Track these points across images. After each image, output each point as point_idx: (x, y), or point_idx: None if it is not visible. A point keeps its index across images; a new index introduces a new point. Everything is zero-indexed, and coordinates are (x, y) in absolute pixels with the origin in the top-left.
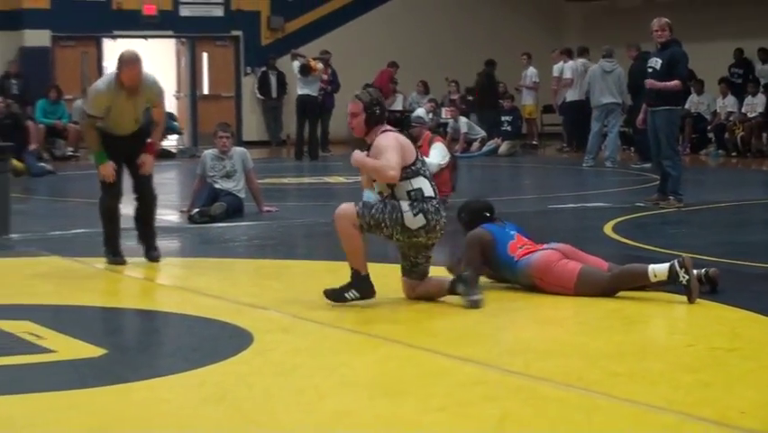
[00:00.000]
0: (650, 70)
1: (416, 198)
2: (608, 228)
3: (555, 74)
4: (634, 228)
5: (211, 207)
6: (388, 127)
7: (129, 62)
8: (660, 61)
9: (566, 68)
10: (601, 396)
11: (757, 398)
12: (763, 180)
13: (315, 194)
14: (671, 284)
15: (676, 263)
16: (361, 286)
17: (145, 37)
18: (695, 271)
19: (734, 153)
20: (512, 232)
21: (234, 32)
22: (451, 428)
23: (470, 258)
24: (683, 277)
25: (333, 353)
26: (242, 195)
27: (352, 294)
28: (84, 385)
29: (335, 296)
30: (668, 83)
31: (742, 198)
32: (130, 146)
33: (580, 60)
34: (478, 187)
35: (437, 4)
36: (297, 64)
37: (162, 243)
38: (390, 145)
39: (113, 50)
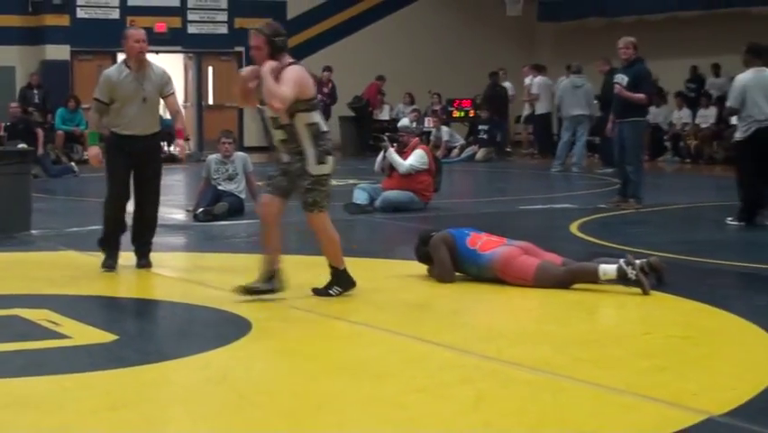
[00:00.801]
0: (617, 86)
1: (316, 133)
2: (573, 227)
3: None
4: (598, 228)
5: (214, 206)
6: (293, 60)
7: (132, 32)
8: (626, 78)
9: (534, 83)
10: (567, 379)
11: (708, 381)
12: (713, 185)
13: None
14: (621, 282)
15: (623, 263)
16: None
17: (156, 52)
18: (638, 262)
19: (688, 160)
20: (466, 231)
21: (237, 48)
22: (430, 407)
23: (441, 258)
24: (631, 273)
25: (324, 339)
26: (242, 196)
27: (335, 290)
28: (97, 368)
29: (321, 293)
30: (634, 94)
31: (695, 201)
32: (141, 151)
33: (541, 77)
34: (457, 189)
35: (423, 24)
36: None
37: (169, 239)
38: (292, 79)
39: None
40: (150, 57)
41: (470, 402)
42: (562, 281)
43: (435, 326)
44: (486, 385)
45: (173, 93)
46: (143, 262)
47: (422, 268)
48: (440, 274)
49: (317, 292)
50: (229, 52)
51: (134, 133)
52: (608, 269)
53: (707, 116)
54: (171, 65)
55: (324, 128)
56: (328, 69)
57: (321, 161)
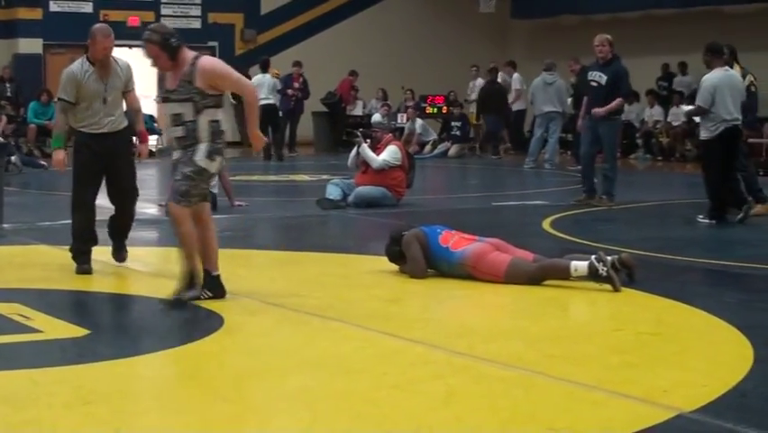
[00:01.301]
0: (594, 84)
1: (215, 130)
2: (546, 224)
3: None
4: (569, 224)
5: None
6: (198, 53)
7: (100, 33)
8: (604, 77)
9: (515, 79)
10: (538, 375)
11: (678, 377)
12: (685, 182)
13: (282, 191)
14: (592, 278)
15: (594, 259)
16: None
17: (129, 46)
18: (609, 258)
19: (659, 158)
20: (438, 229)
21: (211, 43)
22: (402, 402)
23: (413, 255)
24: (602, 270)
25: (296, 335)
26: (215, 190)
27: (204, 293)
28: (68, 362)
29: (173, 301)
30: (611, 105)
31: (666, 198)
32: (112, 148)
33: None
34: (430, 185)
35: (397, 20)
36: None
37: (142, 234)
38: (228, 68)
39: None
40: (123, 51)
41: (441, 398)
42: (533, 278)
43: (407, 322)
44: (457, 381)
45: (133, 89)
46: (123, 254)
47: (393, 264)
48: (412, 270)
49: (168, 301)
50: (202, 47)
51: (103, 131)
52: (579, 265)
53: (678, 114)
54: (144, 59)
55: (223, 128)
56: (298, 63)
57: (210, 157)
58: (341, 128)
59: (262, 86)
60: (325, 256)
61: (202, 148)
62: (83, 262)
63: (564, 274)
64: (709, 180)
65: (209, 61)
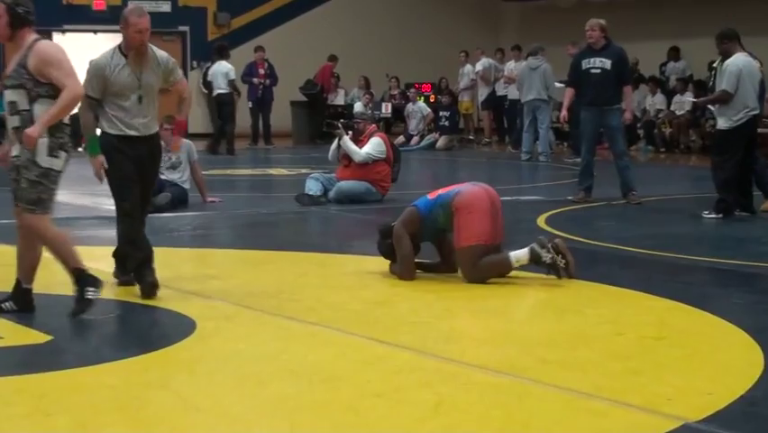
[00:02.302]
0: (596, 71)
1: (55, 122)
2: (541, 220)
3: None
4: (566, 221)
5: (156, 197)
6: (39, 36)
7: (133, 14)
8: (608, 61)
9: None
10: (533, 383)
11: (683, 385)
12: (689, 175)
13: (258, 185)
14: (537, 266)
15: (535, 245)
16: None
17: (94, 31)
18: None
19: (662, 149)
20: (427, 196)
21: (181, 28)
22: (387, 412)
23: (403, 254)
24: (546, 256)
25: (274, 340)
26: (186, 186)
27: (7, 305)
28: (30, 370)
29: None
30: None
31: (670, 193)
32: (144, 155)
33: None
34: (417, 179)
35: (381, 3)
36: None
37: (107, 232)
38: (63, 58)
39: (62, 44)
40: (89, 37)
41: (429, 408)
42: (482, 275)
43: (393, 326)
44: (447, 389)
45: (181, 79)
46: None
47: (379, 264)
48: (401, 271)
49: (77, 306)
50: (173, 32)
51: (133, 134)
52: (519, 255)
53: (682, 103)
54: (110, 45)
55: (66, 120)
56: (260, 48)
57: (53, 154)
58: (321, 119)
59: (216, 75)
60: (305, 256)
61: (41, 145)
62: (150, 274)
63: (507, 268)
64: (723, 172)
65: (44, 46)
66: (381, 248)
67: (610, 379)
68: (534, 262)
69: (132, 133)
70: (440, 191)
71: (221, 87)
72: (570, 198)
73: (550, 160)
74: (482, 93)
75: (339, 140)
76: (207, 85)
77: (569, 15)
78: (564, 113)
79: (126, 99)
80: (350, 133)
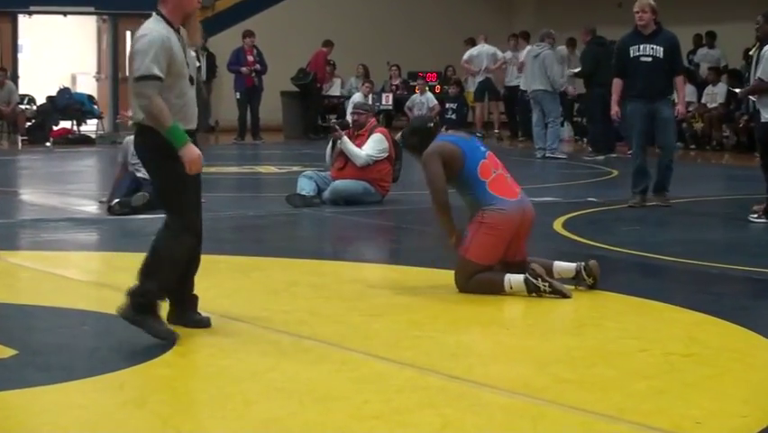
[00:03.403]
0: (647, 59)
1: None
2: (557, 224)
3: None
4: (585, 225)
5: (132, 197)
6: None
7: None
8: (660, 48)
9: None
10: (549, 404)
11: (713, 407)
12: (722, 175)
13: (245, 184)
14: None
15: (529, 276)
16: None
17: (64, 14)
18: (574, 265)
19: (692, 146)
20: (483, 148)
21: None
22: None
23: (432, 175)
24: (544, 287)
25: (262, 355)
26: None
27: None
28: None
29: None
30: (679, 80)
31: (700, 194)
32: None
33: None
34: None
35: None
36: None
37: (79, 236)
38: None
39: (29, 27)
40: (58, 19)
41: (434, 431)
42: (473, 290)
43: (393, 340)
44: (452, 411)
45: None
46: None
47: (378, 272)
48: (431, 193)
49: None
50: (150, 14)
51: (191, 128)
52: (514, 282)
53: (714, 95)
54: (81, 29)
55: None
56: (249, 33)
57: None
58: (314, 111)
59: None
60: (296, 262)
61: None
62: (196, 307)
63: (500, 291)
64: None
65: None
66: (405, 141)
67: (634, 400)
68: (532, 293)
69: (191, 126)
70: (489, 172)
71: None
72: (628, 205)
73: (559, 155)
74: (471, 83)
75: (334, 144)
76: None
77: None
78: (616, 108)
79: (183, 81)
80: (346, 131)
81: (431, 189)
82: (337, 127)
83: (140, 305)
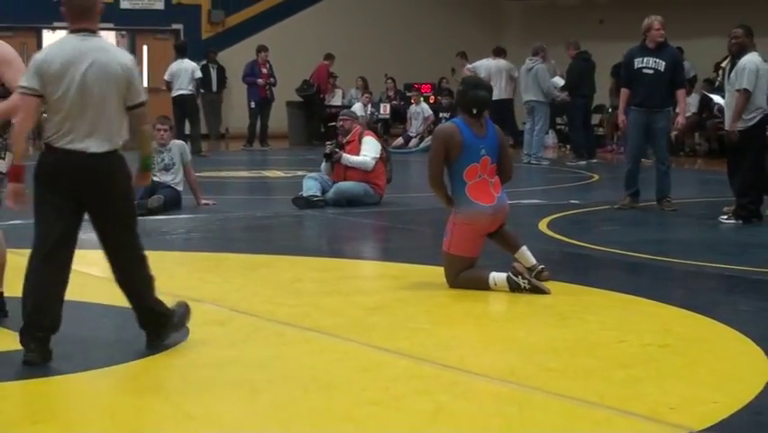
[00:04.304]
0: (649, 72)
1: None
2: (542, 225)
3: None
4: (568, 225)
5: (148, 199)
6: None
7: None
8: (662, 62)
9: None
10: (534, 391)
11: (687, 393)
12: (695, 179)
13: (253, 188)
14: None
15: (511, 275)
16: None
17: None
18: (534, 262)
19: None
20: (482, 151)
21: (175, 26)
22: (384, 421)
23: (433, 154)
24: (524, 283)
25: (269, 346)
26: (179, 188)
27: None
28: (17, 377)
29: None
30: (680, 94)
31: (674, 197)
32: None
33: (493, 61)
34: (414, 182)
35: (380, 1)
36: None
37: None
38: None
39: (52, 41)
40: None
41: (428, 416)
42: (461, 286)
43: (391, 332)
44: (446, 397)
45: None
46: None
47: (376, 269)
48: (428, 170)
49: None
50: (165, 30)
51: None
52: (498, 279)
53: (688, 104)
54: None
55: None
56: (263, 48)
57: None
58: (317, 119)
59: (179, 74)
60: (301, 260)
61: None
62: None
63: (485, 287)
64: (746, 176)
65: None
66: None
67: (613, 387)
68: (514, 290)
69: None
70: (474, 174)
71: (183, 87)
72: (616, 207)
73: (542, 162)
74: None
75: (334, 162)
76: (204, 84)
77: (571, 14)
78: (622, 117)
79: None
80: (338, 151)
81: (428, 167)
82: (337, 150)
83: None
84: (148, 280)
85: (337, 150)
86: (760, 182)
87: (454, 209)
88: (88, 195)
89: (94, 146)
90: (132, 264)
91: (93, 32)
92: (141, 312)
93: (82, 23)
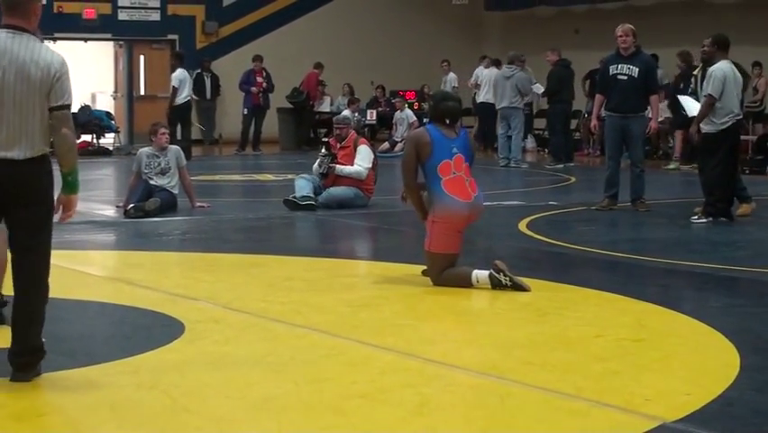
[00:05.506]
0: (622, 78)
1: None
2: (522, 225)
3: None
4: (547, 225)
5: (146, 202)
6: None
7: None
8: (636, 68)
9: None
10: (515, 384)
11: (661, 385)
12: (667, 181)
13: (245, 191)
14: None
15: (493, 272)
16: None
17: (85, 39)
18: (486, 273)
19: None
20: (454, 150)
21: (171, 36)
22: (372, 413)
23: (406, 157)
24: (505, 280)
25: (261, 342)
26: (175, 191)
27: None
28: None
29: None
30: (653, 99)
31: (649, 198)
32: None
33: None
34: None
35: (366, 12)
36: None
37: (98, 236)
38: None
39: None
40: (79, 45)
41: (413, 408)
42: (445, 283)
43: (378, 328)
44: (430, 390)
45: None
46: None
47: (364, 267)
48: (402, 174)
49: None
50: (162, 40)
51: None
52: (480, 277)
53: (661, 109)
54: (101, 53)
55: None
56: (258, 58)
57: None
58: (307, 125)
59: (185, 82)
60: (292, 259)
61: None
62: None
63: (468, 285)
64: (710, 176)
65: None
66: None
67: (590, 380)
68: (495, 287)
69: None
70: (448, 170)
71: (187, 94)
72: (594, 208)
73: (522, 165)
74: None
75: (331, 171)
76: (198, 92)
77: (549, 24)
78: (595, 122)
79: None
80: (334, 164)
81: (402, 171)
82: (332, 165)
83: None
84: (40, 303)
85: (332, 164)
86: (727, 183)
87: (432, 207)
88: (6, 200)
89: (13, 153)
90: (35, 269)
91: (23, 30)
92: (19, 343)
93: (11, 18)
